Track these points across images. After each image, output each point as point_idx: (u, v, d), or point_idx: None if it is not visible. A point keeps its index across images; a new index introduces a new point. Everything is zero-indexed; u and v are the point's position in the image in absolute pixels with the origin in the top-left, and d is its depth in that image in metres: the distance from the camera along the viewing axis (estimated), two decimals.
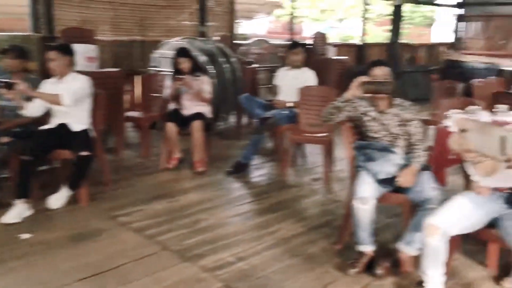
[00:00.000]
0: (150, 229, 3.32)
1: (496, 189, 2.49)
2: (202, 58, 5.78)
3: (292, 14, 9.49)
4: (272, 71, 7.56)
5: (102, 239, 3.18)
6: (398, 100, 2.99)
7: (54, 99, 3.58)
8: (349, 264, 2.84)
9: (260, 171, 4.78)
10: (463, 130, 1.01)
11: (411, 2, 11.76)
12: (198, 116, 4.64)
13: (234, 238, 3.25)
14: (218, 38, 7.40)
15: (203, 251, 3.04)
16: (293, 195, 4.13)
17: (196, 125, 4.54)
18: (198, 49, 5.87)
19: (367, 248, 2.82)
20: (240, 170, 4.62)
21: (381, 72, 2.93)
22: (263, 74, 7.87)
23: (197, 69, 4.88)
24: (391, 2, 8.27)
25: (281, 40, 9.41)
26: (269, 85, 5.87)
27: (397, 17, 8.44)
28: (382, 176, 2.81)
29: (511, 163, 0.96)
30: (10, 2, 10.76)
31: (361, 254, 2.83)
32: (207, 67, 5.75)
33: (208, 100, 4.83)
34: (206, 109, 4.81)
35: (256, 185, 4.43)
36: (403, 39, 10.29)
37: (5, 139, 3.49)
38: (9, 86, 3.42)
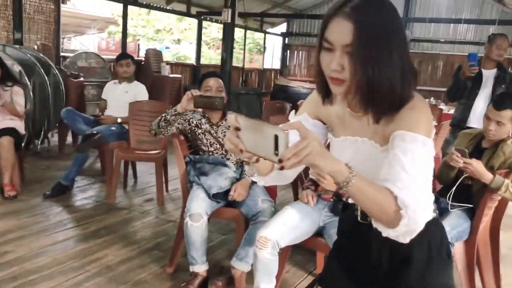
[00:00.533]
0: None
1: (321, 198, 2.58)
2: (17, 68, 5.07)
3: (125, 31, 9.10)
4: (102, 86, 7.10)
5: None
6: (232, 113, 2.93)
7: None
8: (182, 287, 2.64)
9: (84, 193, 4.30)
10: (236, 128, 0.95)
11: (242, 28, 12.35)
12: (8, 131, 4.00)
13: (49, 270, 2.78)
14: (37, 47, 6.64)
15: None
16: (122, 218, 3.78)
17: (5, 141, 3.89)
18: (12, 57, 5.14)
19: (201, 268, 2.65)
20: (60, 192, 4.10)
21: (214, 83, 2.86)
22: (92, 89, 7.33)
23: (8, 78, 4.22)
24: (224, 22, 8.51)
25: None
26: (98, 101, 5.44)
27: (228, 37, 8.71)
28: (215, 190, 2.70)
29: (284, 164, 0.94)
30: None
31: (194, 275, 2.65)
32: (22, 78, 5.06)
33: (22, 114, 4.21)
34: (18, 124, 4.18)
35: (80, 208, 3.95)
36: (236, 63, 10.69)
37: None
38: None
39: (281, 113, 5.77)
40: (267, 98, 10.97)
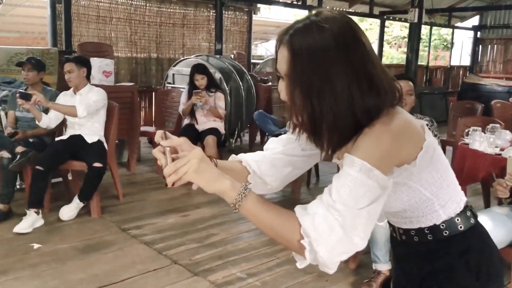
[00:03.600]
0: (161, 243, 3.27)
1: None
2: (218, 75, 5.80)
3: None
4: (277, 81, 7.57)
5: (112, 251, 3.13)
6: (417, 116, 2.93)
7: (69, 111, 3.60)
8: (365, 283, 2.74)
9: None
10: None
11: (427, 24, 11.74)
12: (212, 131, 4.63)
13: (246, 253, 3.18)
14: (233, 56, 7.44)
15: (213, 266, 2.97)
16: None
17: (210, 140, 4.52)
18: (213, 66, 5.90)
19: (383, 267, 2.72)
20: None
21: (405, 86, 2.88)
22: (278, 92, 7.88)
23: (212, 85, 4.89)
24: (410, 22, 8.24)
25: None
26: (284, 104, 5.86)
27: (414, 36, 8.41)
28: None
29: (167, 180, 0.97)
30: (33, 22, 11.07)
31: (377, 272, 2.74)
32: (222, 84, 5.77)
33: (222, 116, 4.83)
34: (219, 125, 4.80)
35: (272, 201, 4.35)
36: (420, 61, 10.25)
37: (20, 149, 3.49)
38: (25, 97, 3.45)
39: (471, 114, 5.39)
40: (453, 98, 10.26)
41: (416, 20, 8.04)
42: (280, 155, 1.24)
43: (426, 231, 1.14)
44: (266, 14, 15.62)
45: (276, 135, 4.72)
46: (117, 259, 3.02)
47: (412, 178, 1.05)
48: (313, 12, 1.03)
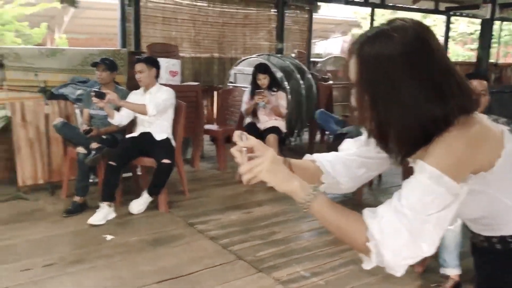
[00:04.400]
0: (225, 238, 3.35)
1: None
2: (279, 74, 5.83)
3: None
4: (348, 88, 7.49)
5: (179, 245, 3.25)
6: (492, 117, 2.81)
7: (140, 109, 3.76)
8: (433, 287, 2.68)
9: None
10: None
11: (498, 19, 11.16)
12: (274, 130, 4.67)
13: (309, 252, 3.19)
14: (294, 55, 7.45)
15: (277, 263, 3.01)
16: None
17: (272, 138, 4.56)
18: (275, 65, 5.94)
19: (452, 271, 2.64)
20: None
21: (478, 85, 2.78)
22: (338, 91, 7.80)
23: (274, 84, 4.93)
24: (482, 18, 7.87)
25: None
26: (346, 102, 5.80)
27: (486, 33, 8.01)
28: None
29: (242, 178, 1.03)
30: (102, 23, 11.65)
31: (445, 277, 2.66)
32: (283, 83, 5.79)
33: (284, 115, 4.86)
34: (281, 124, 4.84)
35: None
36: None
37: (95, 145, 3.70)
38: (100, 96, 3.65)
39: None
40: None
41: (489, 16, 7.67)
42: (354, 156, 1.26)
43: (509, 240, 1.10)
44: (325, 12, 15.48)
45: (338, 135, 4.67)
46: (185, 253, 3.13)
47: (491, 186, 1.03)
48: (386, 21, 1.04)
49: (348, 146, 1.29)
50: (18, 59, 4.42)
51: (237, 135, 1.06)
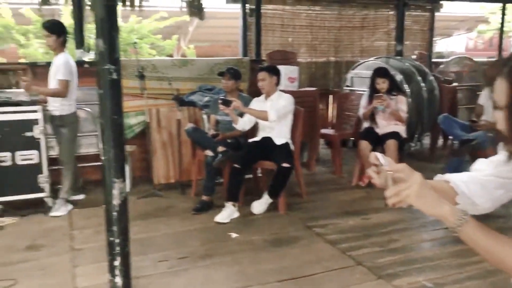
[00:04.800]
0: (344, 243, 3.40)
1: None
2: (398, 77, 5.69)
3: (501, 28, 8.63)
4: (474, 90, 7.03)
5: (298, 246, 3.38)
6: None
7: (262, 115, 3.97)
8: None
9: None
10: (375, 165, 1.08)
11: None
12: (393, 135, 4.59)
13: (430, 262, 3.11)
14: (415, 56, 7.19)
15: (397, 271, 2.99)
16: (497, 226, 3.74)
17: (391, 144, 4.49)
18: (394, 68, 5.81)
19: None
20: None
21: None
22: (463, 93, 7.36)
23: (394, 88, 4.84)
24: None
25: (483, 58, 8.67)
26: (471, 105, 5.47)
27: None
28: None
29: (388, 201, 1.06)
30: (222, 32, 12.34)
31: None
32: (402, 86, 5.64)
33: (404, 119, 4.74)
34: (401, 129, 4.73)
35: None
36: None
37: (221, 149, 4.00)
38: (226, 103, 3.93)
39: None
40: None
41: None
42: (491, 177, 1.23)
43: None
44: (448, 9, 14.60)
45: (464, 141, 4.45)
46: (304, 254, 3.25)
47: None
48: None
49: (483, 166, 1.27)
50: (155, 70, 4.93)
51: (374, 156, 1.10)
